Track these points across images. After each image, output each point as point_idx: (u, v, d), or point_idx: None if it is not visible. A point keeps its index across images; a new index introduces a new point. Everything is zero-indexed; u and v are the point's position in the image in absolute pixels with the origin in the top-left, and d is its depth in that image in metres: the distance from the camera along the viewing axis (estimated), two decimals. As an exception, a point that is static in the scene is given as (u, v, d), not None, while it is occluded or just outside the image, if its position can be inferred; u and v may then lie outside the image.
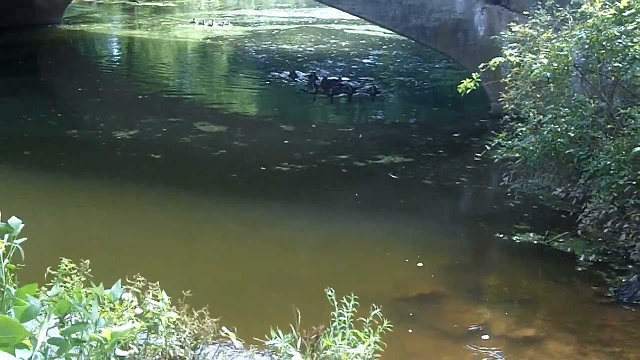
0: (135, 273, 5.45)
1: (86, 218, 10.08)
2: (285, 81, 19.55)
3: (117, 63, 24.10)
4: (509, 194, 10.66)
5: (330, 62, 23.07)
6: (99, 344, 3.33)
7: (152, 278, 5.58)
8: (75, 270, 5.61)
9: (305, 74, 19.64)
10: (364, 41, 26.72)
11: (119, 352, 3.33)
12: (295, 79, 19.41)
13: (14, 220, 2.86)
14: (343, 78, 19.52)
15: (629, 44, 9.39)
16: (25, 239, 3.10)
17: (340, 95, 17.80)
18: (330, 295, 5.57)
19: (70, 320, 4.64)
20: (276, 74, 20.60)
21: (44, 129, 14.50)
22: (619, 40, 9.39)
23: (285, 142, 14.15)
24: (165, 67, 22.99)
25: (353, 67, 22.35)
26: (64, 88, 19.23)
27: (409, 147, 13.77)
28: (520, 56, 10.43)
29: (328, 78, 18.91)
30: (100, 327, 3.47)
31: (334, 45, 25.75)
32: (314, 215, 10.62)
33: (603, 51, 9.71)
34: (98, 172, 12.11)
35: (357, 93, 18.03)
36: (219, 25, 29.64)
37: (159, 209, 10.66)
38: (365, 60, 23.56)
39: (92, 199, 10.94)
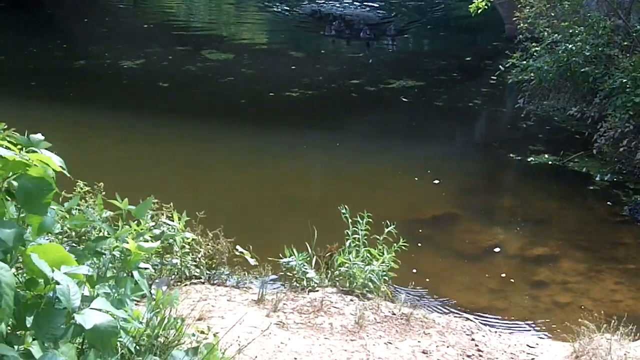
0: (147, 196, 5.43)
1: (96, 146, 10.04)
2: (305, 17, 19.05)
3: (124, -6, 23.69)
4: (523, 116, 10.54)
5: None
6: (121, 255, 3.30)
7: (165, 202, 5.59)
8: (90, 194, 5.64)
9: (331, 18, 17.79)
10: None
11: (142, 264, 3.30)
12: (321, 22, 17.82)
13: (35, 137, 2.75)
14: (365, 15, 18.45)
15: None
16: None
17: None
18: (344, 213, 5.57)
19: (89, 235, 4.68)
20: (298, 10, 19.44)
21: (50, 61, 14.38)
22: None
23: (293, 68, 13.97)
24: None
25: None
26: (70, 20, 18.95)
27: (421, 72, 13.56)
28: (535, -27, 10.18)
29: (348, 21, 17.42)
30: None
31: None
32: (325, 139, 10.55)
33: (619, -33, 9.44)
34: (105, 101, 12.00)
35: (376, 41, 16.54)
36: None
37: (169, 136, 10.60)
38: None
39: (101, 127, 10.88)
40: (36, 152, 2.61)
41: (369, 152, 10.04)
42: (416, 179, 9.03)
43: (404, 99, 12.03)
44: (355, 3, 19.84)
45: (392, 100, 12.10)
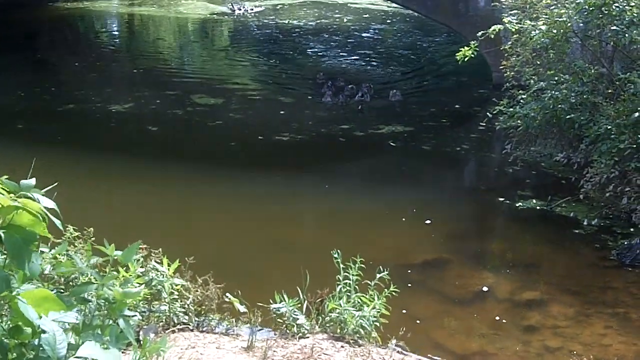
0: (135, 241, 5.40)
1: (83, 190, 9.98)
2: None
3: (116, 40, 23.91)
4: (511, 161, 10.65)
5: (326, 36, 22.83)
6: (106, 303, 3.27)
7: (154, 247, 5.56)
8: (79, 240, 5.60)
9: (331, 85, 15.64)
10: (367, 15, 26.49)
11: (128, 312, 3.26)
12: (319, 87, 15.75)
13: (26, 182, 2.75)
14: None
15: (626, 7, 9.35)
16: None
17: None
18: (336, 257, 5.55)
19: (76, 281, 4.63)
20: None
21: (38, 104, 14.41)
22: (616, 5, 9.34)
23: (282, 113, 14.08)
24: (165, 43, 22.81)
25: (349, 41, 22.13)
26: (61, 64, 19.09)
27: (409, 118, 13.69)
28: (520, 23, 10.37)
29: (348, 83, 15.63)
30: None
31: (337, 20, 25.49)
32: (314, 182, 10.58)
33: (602, 16, 9.65)
34: (93, 145, 12.02)
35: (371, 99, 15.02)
36: (251, 10, 26.81)
37: (157, 180, 10.58)
38: (364, 34, 23.34)
39: (89, 171, 10.86)
40: (29, 198, 2.60)
41: (358, 195, 10.09)
42: (403, 219, 9.13)
43: (392, 144, 12.13)
44: (356, 58, 19.85)
45: (381, 145, 12.20)
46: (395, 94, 15.19)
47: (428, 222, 8.90)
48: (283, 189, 10.43)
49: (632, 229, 8.46)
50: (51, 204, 2.64)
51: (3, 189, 2.65)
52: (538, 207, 9.34)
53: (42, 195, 2.69)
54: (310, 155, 12.04)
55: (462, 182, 11.50)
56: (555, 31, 9.89)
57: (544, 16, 10.24)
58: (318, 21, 25.34)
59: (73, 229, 5.57)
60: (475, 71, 15.54)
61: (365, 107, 14.46)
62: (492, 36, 10.05)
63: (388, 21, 25.60)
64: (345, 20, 25.57)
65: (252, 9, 27.19)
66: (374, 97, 15.07)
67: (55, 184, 3.08)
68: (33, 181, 2.78)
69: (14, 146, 11.44)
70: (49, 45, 21.38)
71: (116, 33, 25.42)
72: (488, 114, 10.87)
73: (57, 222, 2.70)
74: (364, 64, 19.20)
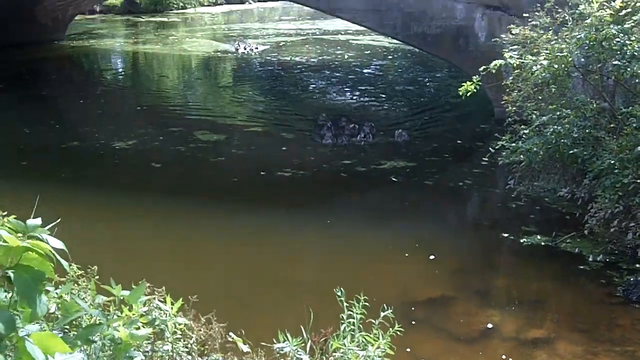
0: (139, 280, 5.38)
1: (87, 227, 9.99)
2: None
3: (121, 77, 24.13)
4: (514, 196, 10.63)
5: (327, 72, 23.02)
6: (112, 344, 3.25)
7: (157, 284, 5.52)
8: (82, 278, 5.57)
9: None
10: (368, 51, 26.75)
11: (133, 352, 3.24)
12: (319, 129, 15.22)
13: (33, 222, 2.76)
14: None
15: (627, 42, 9.41)
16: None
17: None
18: (339, 296, 5.50)
19: (81, 321, 4.59)
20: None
21: (42, 140, 14.52)
22: (617, 39, 9.40)
23: (284, 149, 14.12)
24: (168, 80, 22.99)
25: (350, 77, 22.31)
26: (65, 101, 19.24)
27: (412, 153, 13.72)
28: (521, 58, 10.43)
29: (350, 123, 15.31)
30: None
31: (339, 57, 25.74)
32: (316, 218, 10.55)
33: (602, 51, 9.71)
34: (97, 182, 12.12)
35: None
36: (255, 48, 27.22)
37: (160, 216, 10.58)
38: (365, 70, 23.54)
39: (93, 207, 10.86)
40: (39, 239, 2.60)
41: (361, 230, 10.05)
42: (407, 255, 9.09)
43: (394, 179, 12.14)
44: (357, 94, 19.88)
45: (383, 180, 12.20)
46: (402, 134, 14.70)
47: (432, 257, 8.87)
48: (286, 224, 10.40)
49: (637, 265, 8.42)
50: (60, 245, 2.64)
51: (11, 228, 2.65)
52: (542, 243, 9.29)
53: (50, 235, 2.70)
54: (313, 190, 12.05)
55: (465, 218, 11.46)
56: (556, 66, 9.95)
57: (544, 51, 10.30)
58: (320, 58, 25.58)
59: (77, 267, 5.55)
60: (477, 106, 15.61)
61: (367, 145, 14.45)
62: (494, 71, 10.10)
63: (389, 57, 25.85)
64: (346, 56, 25.82)
65: (257, 47, 27.46)
66: (378, 135, 14.92)
67: (58, 220, 3.08)
68: (39, 221, 2.78)
69: (19, 183, 11.47)
70: (54, 82, 21.59)
71: (121, 70, 25.67)
72: (490, 149, 10.89)
73: (65, 263, 2.69)
74: (366, 100, 19.28)
